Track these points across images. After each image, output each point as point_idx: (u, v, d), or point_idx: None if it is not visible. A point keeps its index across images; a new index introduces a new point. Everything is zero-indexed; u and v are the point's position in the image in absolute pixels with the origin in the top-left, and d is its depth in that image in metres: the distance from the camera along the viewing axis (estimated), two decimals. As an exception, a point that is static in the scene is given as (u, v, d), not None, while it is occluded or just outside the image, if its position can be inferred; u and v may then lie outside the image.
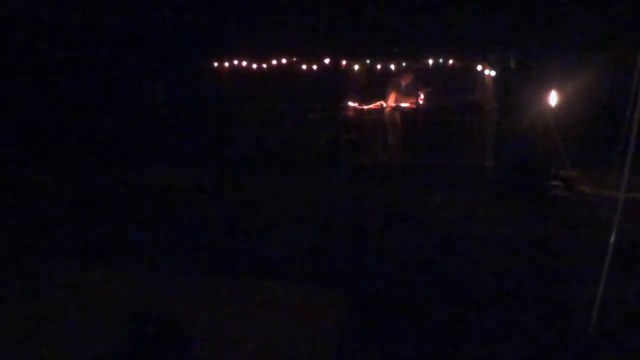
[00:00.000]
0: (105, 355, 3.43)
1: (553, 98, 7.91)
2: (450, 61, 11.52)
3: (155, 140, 11.26)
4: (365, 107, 11.47)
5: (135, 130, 11.22)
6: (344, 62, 11.95)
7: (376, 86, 11.57)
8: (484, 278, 4.82)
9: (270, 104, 11.77)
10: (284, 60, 11.94)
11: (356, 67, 12.07)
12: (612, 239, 3.76)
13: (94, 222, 6.64)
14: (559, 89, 8.02)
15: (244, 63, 12.14)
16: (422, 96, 11.14)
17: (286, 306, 4.17)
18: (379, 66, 12.14)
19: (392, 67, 11.97)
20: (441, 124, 11.29)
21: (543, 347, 3.57)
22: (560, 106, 8.03)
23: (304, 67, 12.09)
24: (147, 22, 11.40)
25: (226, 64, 12.20)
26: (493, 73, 10.41)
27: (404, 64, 11.75)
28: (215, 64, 12.20)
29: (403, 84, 11.07)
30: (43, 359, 3.43)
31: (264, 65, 12.07)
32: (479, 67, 11.19)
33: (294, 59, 11.97)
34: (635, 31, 8.11)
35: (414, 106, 10.99)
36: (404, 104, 11.00)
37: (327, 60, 11.76)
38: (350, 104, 11.60)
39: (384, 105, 11.08)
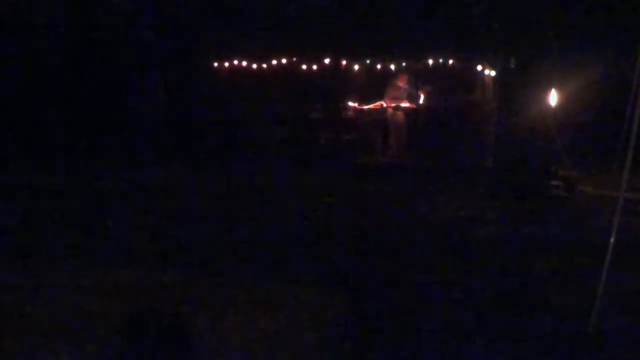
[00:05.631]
0: (105, 355, 3.43)
1: (553, 98, 7.91)
2: (450, 61, 11.52)
3: (154, 140, 11.24)
4: (365, 107, 11.46)
5: (133, 129, 11.21)
6: (344, 62, 11.95)
7: (376, 86, 11.57)
8: (483, 278, 4.81)
9: (270, 104, 11.77)
10: (284, 60, 11.95)
11: (356, 67, 12.07)
12: (612, 239, 3.75)
13: (91, 223, 6.64)
14: (559, 89, 8.02)
15: (244, 63, 12.15)
16: (422, 96, 11.14)
17: (285, 306, 4.16)
18: (379, 66, 12.13)
19: (392, 67, 11.97)
20: (441, 124, 11.28)
21: (542, 347, 3.57)
22: (560, 106, 8.03)
23: (304, 67, 12.09)
24: (147, 22, 11.40)
25: (226, 64, 12.20)
26: (493, 73, 10.41)
27: (404, 64, 11.75)
28: (215, 64, 12.20)
29: (400, 84, 11.05)
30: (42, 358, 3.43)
31: (264, 65, 12.08)
32: (479, 67, 11.19)
33: (294, 59, 11.97)
34: (635, 31, 8.11)
35: (414, 106, 10.99)
36: (404, 104, 10.99)
37: (327, 60, 11.76)
38: (350, 104, 11.60)
39: (384, 105, 11.07)
